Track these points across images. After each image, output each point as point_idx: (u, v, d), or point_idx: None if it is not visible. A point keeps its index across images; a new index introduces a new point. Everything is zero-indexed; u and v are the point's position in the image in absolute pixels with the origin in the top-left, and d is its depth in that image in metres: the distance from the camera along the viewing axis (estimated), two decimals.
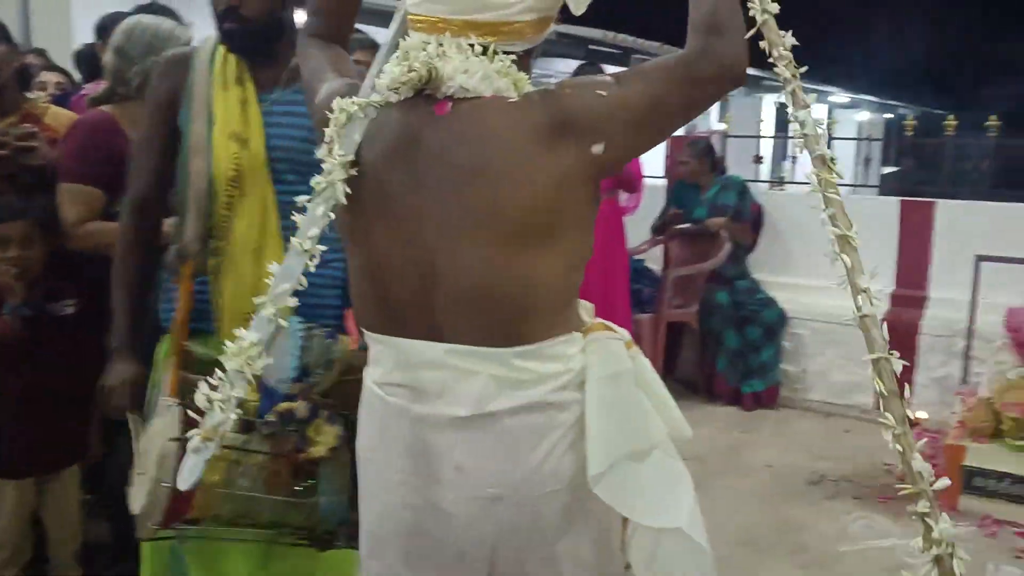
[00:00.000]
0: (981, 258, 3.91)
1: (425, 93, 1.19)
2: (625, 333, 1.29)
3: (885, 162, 15.05)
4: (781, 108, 15.15)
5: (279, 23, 1.73)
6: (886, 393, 1.14)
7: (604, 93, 1.17)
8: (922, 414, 3.74)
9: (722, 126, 13.58)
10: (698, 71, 1.17)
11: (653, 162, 5.59)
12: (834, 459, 3.89)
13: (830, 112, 17.39)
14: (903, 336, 4.48)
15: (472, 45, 1.19)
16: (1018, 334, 3.65)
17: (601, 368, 1.21)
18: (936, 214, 4.67)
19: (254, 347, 1.17)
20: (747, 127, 6.26)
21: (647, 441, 1.23)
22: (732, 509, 3.37)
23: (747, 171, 5.38)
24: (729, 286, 4.69)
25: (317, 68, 1.33)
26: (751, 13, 1.20)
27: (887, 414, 1.14)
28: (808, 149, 1.19)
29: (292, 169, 1.70)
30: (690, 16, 1.18)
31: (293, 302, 1.22)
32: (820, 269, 4.90)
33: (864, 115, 18.14)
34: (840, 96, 17.01)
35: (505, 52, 1.20)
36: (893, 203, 4.82)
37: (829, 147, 4.53)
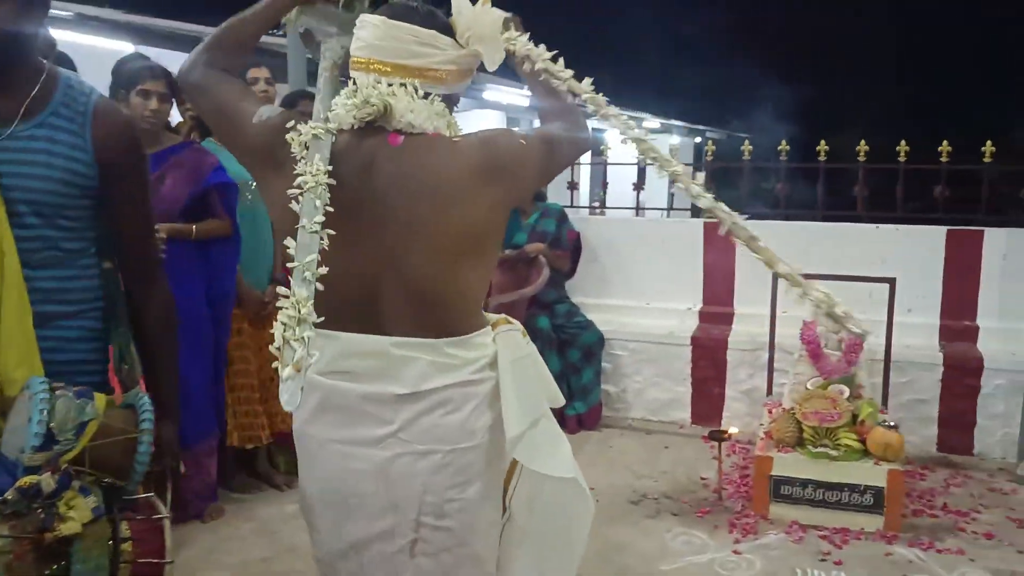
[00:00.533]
0: (777, 275, 4.12)
1: (376, 124, 1.47)
2: (519, 324, 1.62)
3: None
4: (595, 134, 15.67)
5: (17, 44, 1.49)
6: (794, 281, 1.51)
7: (524, 143, 1.53)
8: (733, 429, 3.87)
9: None
10: (566, 145, 1.60)
11: None
12: (654, 477, 3.97)
13: None
14: (713, 351, 4.68)
15: (416, 88, 1.49)
16: (812, 345, 3.87)
17: (512, 353, 1.55)
18: None
19: (306, 299, 1.25)
20: None
21: (540, 410, 1.57)
22: None
23: (564, 197, 5.46)
24: (549, 311, 4.73)
25: (240, 94, 1.56)
26: (576, 100, 1.58)
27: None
28: (685, 188, 1.50)
29: (36, 211, 1.50)
30: (539, 105, 1.66)
31: (323, 270, 1.28)
32: (636, 291, 5.11)
33: (675, 139, 19.13)
34: (651, 121, 17.86)
35: (426, 93, 1.50)
36: (698, 224, 5.03)
37: (643, 173, 4.63)
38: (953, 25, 22.17)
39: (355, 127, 1.47)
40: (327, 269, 1.29)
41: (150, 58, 3.34)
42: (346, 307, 1.46)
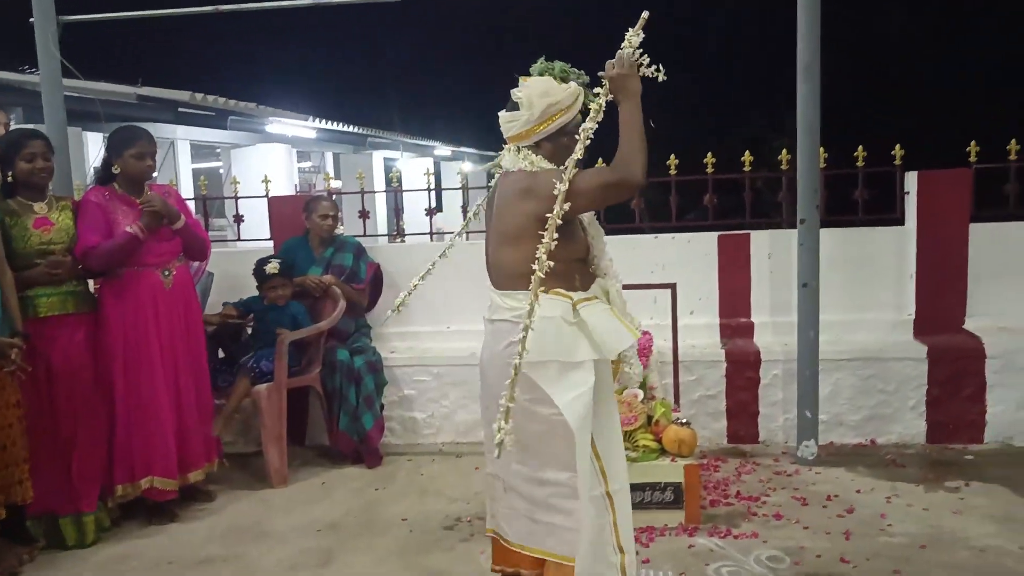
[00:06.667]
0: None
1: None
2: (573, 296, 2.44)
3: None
4: (388, 163, 15.67)
5: None
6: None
7: (553, 181, 2.32)
8: None
9: (338, 183, 13.69)
10: (613, 184, 2.36)
11: (257, 225, 5.36)
12: (467, 499, 3.94)
13: (436, 164, 18.38)
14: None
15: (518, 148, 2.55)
16: None
17: (546, 310, 2.30)
18: None
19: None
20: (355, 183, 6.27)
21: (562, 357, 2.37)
22: (371, 572, 3.24)
23: (358, 226, 5.37)
24: (346, 342, 4.62)
25: None
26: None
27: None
28: None
29: None
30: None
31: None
32: (436, 315, 5.08)
33: (467, 166, 19.47)
34: (443, 149, 18.08)
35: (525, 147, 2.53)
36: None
37: (439, 197, 4.77)
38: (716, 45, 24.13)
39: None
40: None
41: None
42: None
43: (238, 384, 4.29)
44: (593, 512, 2.38)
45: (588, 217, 2.61)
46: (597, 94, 2.42)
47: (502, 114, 2.57)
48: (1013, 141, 4.70)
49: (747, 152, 4.92)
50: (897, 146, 4.79)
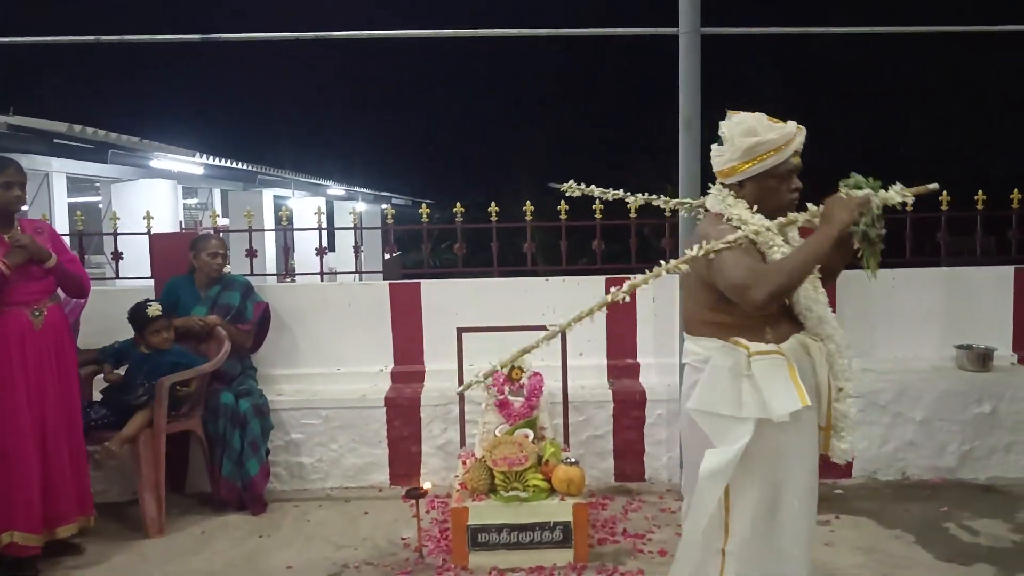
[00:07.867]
0: (461, 330, 4.29)
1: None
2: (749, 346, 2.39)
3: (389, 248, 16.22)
4: (279, 201, 15.42)
5: None
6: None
7: (711, 238, 2.37)
8: (428, 484, 3.91)
9: (225, 221, 13.33)
10: (738, 286, 2.28)
11: (138, 262, 5.19)
12: (354, 545, 3.87)
13: (329, 204, 18.20)
14: (407, 410, 4.71)
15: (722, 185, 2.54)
16: (498, 394, 4.04)
17: (717, 360, 2.38)
18: (423, 294, 5.04)
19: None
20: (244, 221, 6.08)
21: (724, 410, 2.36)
22: None
23: (245, 265, 5.26)
24: (231, 385, 4.49)
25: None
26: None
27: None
28: None
29: None
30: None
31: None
32: (326, 357, 5.01)
33: (361, 206, 19.36)
34: (336, 189, 17.93)
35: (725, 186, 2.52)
36: (384, 287, 5.09)
37: (331, 237, 4.67)
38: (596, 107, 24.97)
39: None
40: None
41: None
42: None
43: (137, 415, 4.08)
44: (701, 560, 2.44)
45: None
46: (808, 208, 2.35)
47: (713, 147, 2.48)
48: None
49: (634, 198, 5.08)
50: None
